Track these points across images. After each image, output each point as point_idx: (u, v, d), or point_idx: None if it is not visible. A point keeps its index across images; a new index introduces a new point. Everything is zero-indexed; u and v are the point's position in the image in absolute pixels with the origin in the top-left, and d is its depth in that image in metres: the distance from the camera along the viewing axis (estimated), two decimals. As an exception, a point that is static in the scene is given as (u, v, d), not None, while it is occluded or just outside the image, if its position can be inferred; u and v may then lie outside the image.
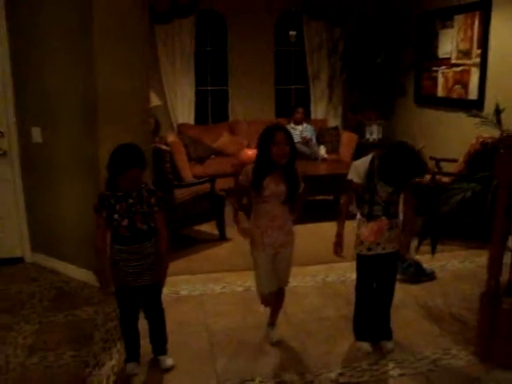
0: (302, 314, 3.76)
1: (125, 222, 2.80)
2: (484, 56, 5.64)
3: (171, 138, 6.23)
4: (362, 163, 3.07)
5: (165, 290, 3.09)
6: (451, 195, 3.59)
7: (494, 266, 3.08)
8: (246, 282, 4.18)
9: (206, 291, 4.16)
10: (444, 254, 4.70)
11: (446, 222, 3.60)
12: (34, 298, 4.01)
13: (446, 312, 3.77)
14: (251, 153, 6.10)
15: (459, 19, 6.09)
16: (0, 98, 4.40)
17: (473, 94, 5.90)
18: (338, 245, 3.21)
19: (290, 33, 7.60)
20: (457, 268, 4.59)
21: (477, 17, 5.76)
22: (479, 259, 4.60)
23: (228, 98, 8.02)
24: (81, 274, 4.32)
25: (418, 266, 4.29)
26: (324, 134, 7.48)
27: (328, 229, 5.57)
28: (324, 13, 7.73)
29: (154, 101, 6.33)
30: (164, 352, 3.11)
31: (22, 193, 4.60)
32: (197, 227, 5.45)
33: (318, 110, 8.21)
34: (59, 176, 4.27)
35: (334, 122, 8.15)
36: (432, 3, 6.63)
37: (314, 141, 7.15)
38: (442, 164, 5.94)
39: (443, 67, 6.48)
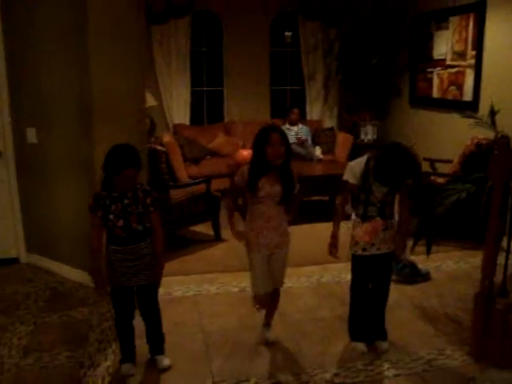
0: (297, 314, 3.76)
1: (120, 223, 2.80)
2: (479, 57, 5.65)
3: (166, 138, 6.22)
4: (358, 164, 3.08)
5: (159, 291, 3.09)
6: (446, 196, 3.60)
7: (489, 267, 3.10)
8: (241, 283, 4.18)
9: (201, 292, 4.16)
10: (439, 255, 4.72)
11: (440, 222, 3.61)
12: (29, 299, 4.00)
13: (440, 312, 3.78)
14: (246, 153, 6.10)
15: (454, 21, 6.10)
16: (-5, 98, 4.40)
17: (468, 96, 5.92)
18: (333, 245, 3.22)
19: (286, 33, 7.61)
20: (452, 268, 4.60)
21: (471, 18, 5.78)
22: (474, 260, 4.62)
23: (223, 98, 8.02)
24: (76, 274, 4.31)
25: (413, 266, 4.30)
26: (319, 135, 7.49)
27: (323, 229, 5.58)
28: (320, 13, 7.73)
29: (150, 101, 6.33)
30: (161, 352, 3.11)
31: (17, 193, 4.59)
32: (192, 228, 5.45)
33: (314, 111, 8.22)
34: (54, 176, 4.26)
35: (329, 122, 8.16)
36: (427, 5, 6.64)
37: (310, 141, 7.16)
38: (437, 165, 5.96)
39: (438, 68, 6.50)
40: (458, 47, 6.05)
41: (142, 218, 2.84)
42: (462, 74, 6.01)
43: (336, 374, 3.02)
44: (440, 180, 5.27)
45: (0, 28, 4.27)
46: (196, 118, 7.96)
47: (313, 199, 6.62)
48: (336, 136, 7.53)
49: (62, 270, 4.43)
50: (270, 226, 3.00)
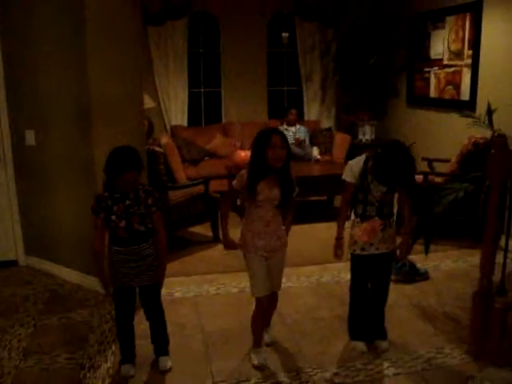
0: (296, 314, 3.77)
1: (122, 224, 2.81)
2: (475, 57, 5.67)
3: (164, 139, 6.22)
4: (356, 163, 3.08)
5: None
6: (444, 195, 3.61)
7: (487, 266, 3.11)
8: (240, 283, 4.19)
9: (201, 293, 4.16)
10: (437, 254, 4.74)
11: (438, 221, 3.62)
12: (28, 301, 4.01)
13: (439, 311, 3.79)
14: (244, 154, 6.11)
15: (450, 20, 6.12)
16: (-7, 101, 4.40)
17: (465, 95, 5.94)
18: (339, 247, 3.20)
19: (283, 34, 7.61)
20: (450, 267, 4.62)
21: (468, 18, 5.80)
22: (472, 258, 4.63)
23: (221, 99, 8.03)
24: (75, 276, 4.32)
25: (411, 265, 4.32)
26: (317, 136, 7.50)
27: (322, 229, 5.64)
28: (316, 14, 7.74)
29: (148, 103, 6.33)
30: (166, 353, 3.13)
31: (15, 196, 4.59)
32: (191, 229, 5.46)
33: (311, 112, 8.23)
34: (53, 179, 4.26)
35: (327, 123, 8.17)
36: (424, 5, 6.66)
37: (308, 142, 7.17)
38: (435, 164, 5.97)
39: (435, 68, 6.51)
40: (455, 47, 6.07)
41: (144, 219, 2.84)
42: (459, 73, 6.03)
43: (336, 374, 3.03)
44: (438, 179, 5.29)
45: (-3, 31, 4.28)
46: (194, 119, 7.96)
47: (311, 199, 6.63)
48: (334, 136, 7.54)
49: (61, 272, 4.43)
50: (268, 230, 2.96)
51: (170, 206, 4.83)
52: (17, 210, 4.62)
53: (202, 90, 8.03)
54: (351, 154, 6.57)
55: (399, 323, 3.58)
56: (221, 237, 5.14)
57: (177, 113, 7.64)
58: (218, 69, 7.90)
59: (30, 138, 4.31)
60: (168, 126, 7.63)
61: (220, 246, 5.10)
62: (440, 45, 6.36)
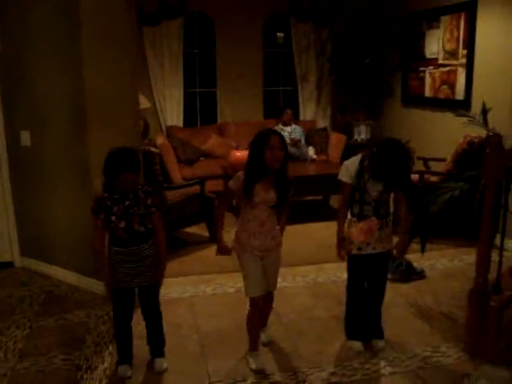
0: (293, 314, 3.78)
1: (122, 224, 2.81)
2: (470, 56, 5.69)
3: (160, 140, 6.21)
4: (352, 163, 3.08)
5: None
6: (439, 194, 3.62)
7: (482, 264, 3.12)
8: (236, 284, 4.19)
9: (198, 293, 4.16)
10: (433, 253, 4.75)
11: (434, 220, 3.63)
12: (24, 303, 4.00)
13: (435, 310, 3.80)
14: (240, 154, 6.11)
15: (445, 20, 6.14)
16: (-12, 102, 4.39)
17: (460, 94, 5.95)
18: (342, 248, 3.17)
19: (278, 34, 7.62)
20: (446, 266, 4.63)
21: (463, 17, 5.81)
22: (468, 257, 4.65)
23: (216, 100, 8.02)
24: (71, 277, 4.31)
25: (408, 264, 4.32)
26: (313, 135, 7.50)
27: (318, 229, 5.65)
28: (312, 14, 7.75)
29: (143, 103, 6.32)
30: (161, 354, 3.12)
31: (10, 197, 4.58)
32: (186, 229, 5.45)
33: (307, 111, 8.24)
34: (48, 179, 4.25)
35: (322, 123, 8.17)
36: (419, 4, 6.67)
37: (303, 142, 7.18)
38: (431, 163, 5.99)
39: (430, 67, 6.53)
40: (450, 46, 6.08)
41: (143, 219, 2.84)
42: (454, 72, 6.05)
43: (333, 373, 3.03)
44: (433, 178, 5.30)
45: (-8, 32, 4.27)
46: (189, 119, 7.95)
47: (307, 199, 6.63)
48: (329, 136, 7.54)
49: (58, 273, 4.42)
50: (263, 230, 2.95)
51: (169, 206, 4.82)
52: (12, 211, 4.61)
53: (198, 90, 8.03)
54: (347, 154, 6.57)
55: (396, 322, 3.58)
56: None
57: (172, 113, 7.64)
58: (213, 69, 7.90)
59: (26, 138, 4.30)
60: (163, 127, 7.62)
61: (216, 247, 5.12)
62: (435, 44, 6.37)
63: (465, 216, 4.47)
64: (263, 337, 3.33)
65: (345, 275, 3.34)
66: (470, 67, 5.71)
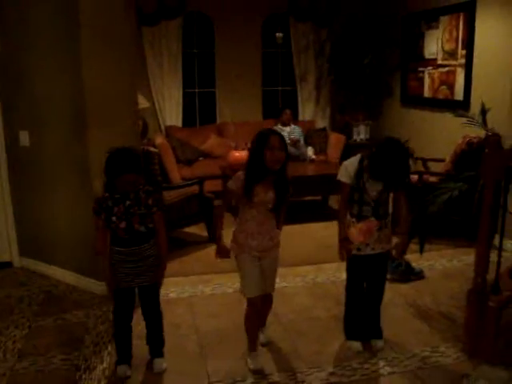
0: (292, 314, 3.78)
1: (122, 224, 2.81)
2: (469, 57, 5.69)
3: (159, 140, 6.22)
4: (351, 163, 3.08)
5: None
6: (438, 194, 3.62)
7: (481, 264, 3.12)
8: (235, 284, 4.17)
9: (196, 293, 4.16)
10: (432, 253, 4.75)
11: (433, 221, 3.63)
12: (23, 303, 3.99)
13: (434, 310, 3.80)
14: (239, 154, 6.11)
15: (444, 20, 6.14)
16: (-13, 102, 4.38)
17: (459, 95, 5.96)
18: (344, 247, 3.14)
19: (277, 34, 7.62)
20: (445, 267, 4.63)
21: (461, 18, 5.82)
22: (467, 257, 4.65)
23: (215, 100, 8.03)
24: (70, 277, 4.31)
25: (407, 265, 4.33)
26: (312, 135, 7.50)
27: (317, 229, 5.65)
28: (311, 14, 7.76)
29: (142, 103, 6.32)
30: (160, 354, 3.12)
31: (9, 197, 4.57)
32: (186, 229, 5.45)
33: (306, 112, 8.24)
34: (47, 180, 4.25)
35: (321, 123, 8.18)
36: (418, 4, 6.68)
37: (302, 142, 7.18)
38: (430, 164, 5.99)
39: (429, 68, 6.53)
40: (449, 46, 6.09)
41: (144, 219, 2.84)
42: (453, 73, 6.05)
43: (332, 373, 3.04)
44: (432, 179, 5.30)
45: (-9, 31, 4.27)
46: (188, 119, 7.95)
47: (306, 199, 6.63)
48: (328, 136, 7.54)
49: (56, 273, 4.42)
50: (260, 230, 2.94)
51: (168, 206, 4.82)
52: (11, 211, 4.61)
53: (197, 90, 8.03)
54: (346, 154, 6.58)
55: (395, 322, 3.59)
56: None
57: (171, 113, 7.64)
58: (212, 69, 7.90)
59: (25, 138, 4.30)
60: (162, 127, 7.62)
61: (215, 246, 5.10)
62: (434, 44, 6.38)
63: (464, 216, 4.48)
64: (262, 337, 3.32)
65: (344, 275, 3.34)
66: (469, 67, 5.72)
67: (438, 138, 6.33)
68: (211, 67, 7.90)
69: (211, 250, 5.02)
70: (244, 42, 7.76)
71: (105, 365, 3.13)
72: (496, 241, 3.34)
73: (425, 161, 5.99)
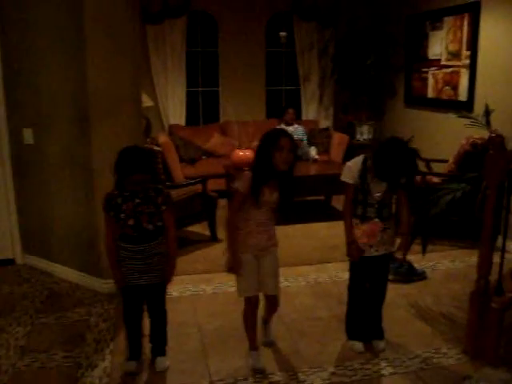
0: (294, 313, 3.78)
1: (131, 222, 2.81)
2: (473, 57, 5.68)
3: (162, 138, 6.21)
4: (355, 163, 3.07)
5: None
6: (441, 195, 3.62)
7: (484, 266, 3.11)
8: (238, 283, 4.19)
9: (198, 292, 4.17)
10: (435, 254, 4.75)
11: (436, 222, 3.63)
12: (26, 300, 4.00)
13: (436, 311, 3.80)
14: (242, 153, 6.12)
15: (449, 21, 6.13)
16: (-9, 99, 4.39)
17: (462, 95, 5.95)
18: (354, 250, 3.10)
19: (281, 34, 7.62)
20: (447, 268, 4.63)
21: (466, 18, 5.81)
22: (469, 259, 4.65)
23: (219, 98, 8.03)
24: (73, 275, 4.32)
25: (409, 266, 4.32)
26: (315, 135, 7.50)
27: (319, 229, 5.65)
28: (315, 14, 7.76)
29: (146, 101, 6.33)
30: (163, 353, 3.12)
31: (13, 194, 4.58)
32: (188, 228, 5.45)
33: (309, 111, 8.24)
34: (51, 177, 4.25)
35: (324, 123, 8.18)
36: (422, 5, 6.67)
37: (305, 142, 7.17)
38: (433, 165, 5.98)
39: (433, 68, 6.52)
40: (453, 47, 6.08)
41: (152, 218, 2.85)
42: (457, 73, 6.04)
43: (333, 373, 3.04)
44: (435, 180, 5.29)
45: (-4, 29, 4.28)
46: (192, 118, 7.96)
47: (309, 199, 6.63)
48: (331, 136, 7.54)
49: (59, 270, 4.43)
50: (260, 230, 2.93)
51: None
52: (14, 209, 4.62)
53: (200, 89, 8.03)
54: (349, 154, 6.58)
55: (396, 323, 3.58)
56: (218, 236, 5.24)
57: (175, 112, 7.64)
58: (216, 68, 7.91)
59: (29, 136, 4.30)
60: (166, 125, 7.63)
61: (217, 245, 5.14)
62: (438, 45, 6.37)
63: (466, 217, 4.47)
64: (265, 337, 3.32)
65: (346, 275, 3.34)
66: (473, 68, 5.71)
67: (441, 138, 6.32)
68: (215, 66, 7.90)
69: (214, 248, 5.08)
70: (248, 41, 7.77)
71: (106, 363, 3.13)
72: (499, 242, 3.34)
73: (428, 161, 5.98)
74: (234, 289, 4.13)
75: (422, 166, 5.94)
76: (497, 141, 3.05)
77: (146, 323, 3.11)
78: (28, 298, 4.04)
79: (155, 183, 2.96)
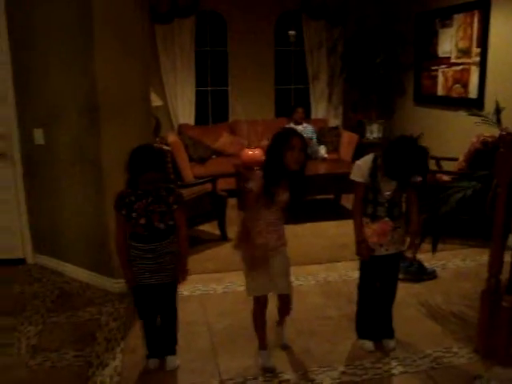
0: (304, 313, 3.77)
1: (142, 221, 2.82)
2: (483, 55, 5.65)
3: (172, 138, 6.24)
4: (365, 162, 3.06)
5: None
6: (452, 194, 3.60)
7: (495, 265, 3.09)
8: (247, 282, 4.19)
9: (208, 291, 4.17)
10: (446, 253, 4.72)
11: (446, 220, 3.61)
12: (37, 299, 4.03)
13: (447, 310, 3.78)
14: (252, 153, 6.12)
15: (459, 18, 6.10)
16: (1, 101, 4.42)
17: (473, 93, 5.92)
18: (365, 249, 3.08)
19: (290, 33, 7.62)
20: (458, 266, 4.60)
21: (476, 16, 5.78)
22: (480, 257, 4.62)
23: (228, 98, 8.03)
24: (83, 274, 4.34)
25: (419, 264, 4.30)
26: (324, 134, 7.49)
27: (329, 228, 5.64)
28: (323, 12, 7.74)
29: (155, 101, 6.35)
30: (173, 352, 3.13)
31: (23, 194, 4.61)
32: (198, 227, 5.46)
33: (319, 110, 8.23)
34: (61, 177, 4.28)
35: (334, 121, 8.16)
36: (432, 2, 6.64)
37: (315, 141, 7.16)
38: (443, 163, 5.95)
39: (443, 66, 6.49)
40: (463, 45, 6.05)
41: (164, 217, 2.85)
42: (467, 71, 6.01)
43: (343, 372, 3.03)
44: (446, 178, 5.27)
45: (6, 30, 4.30)
46: (201, 117, 7.97)
47: (318, 198, 6.62)
48: (341, 135, 7.53)
49: (70, 270, 4.45)
50: (269, 230, 2.91)
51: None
52: (25, 209, 4.65)
53: (209, 88, 8.04)
54: (359, 153, 6.56)
55: (407, 322, 3.57)
56: (228, 235, 5.24)
57: (184, 111, 7.66)
58: (225, 67, 7.91)
59: (39, 136, 4.33)
60: (175, 125, 7.65)
61: (227, 245, 5.14)
62: (448, 43, 6.34)
63: (477, 216, 4.45)
64: (281, 340, 3.28)
65: (355, 274, 3.33)
66: (483, 66, 5.68)
67: (451, 136, 6.29)
68: (224, 65, 7.91)
69: (223, 247, 5.08)
70: (257, 40, 7.77)
71: (117, 362, 3.14)
72: (510, 241, 3.31)
73: (438, 160, 5.95)
74: (243, 288, 4.15)
75: (432, 165, 5.92)
76: (507, 139, 3.03)
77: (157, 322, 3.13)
78: (39, 297, 4.07)
79: (166, 182, 2.97)
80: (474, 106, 5.53)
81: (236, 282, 4.26)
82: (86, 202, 4.13)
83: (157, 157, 2.80)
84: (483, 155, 4.91)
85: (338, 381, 2.95)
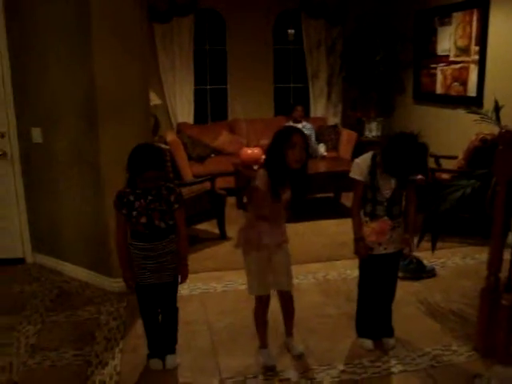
0: (303, 311, 3.76)
1: (143, 219, 2.82)
2: (482, 53, 5.65)
3: (170, 136, 6.24)
4: (364, 160, 3.05)
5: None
6: (451, 192, 3.60)
7: (494, 263, 3.09)
8: (247, 281, 4.19)
9: (209, 290, 4.17)
10: (445, 251, 4.72)
11: (446, 218, 3.60)
12: (36, 298, 4.03)
13: (446, 308, 3.78)
14: (251, 151, 6.12)
15: (458, 16, 6.10)
16: (0, 99, 4.40)
17: (472, 91, 5.92)
18: (362, 247, 3.08)
19: (289, 31, 7.61)
20: (458, 265, 4.60)
21: (475, 14, 5.77)
22: (480, 256, 4.61)
23: (227, 96, 8.03)
24: (82, 273, 4.33)
25: (418, 262, 4.30)
26: (323, 132, 7.49)
27: (328, 226, 5.64)
28: (323, 11, 7.74)
29: (154, 100, 6.34)
30: (173, 351, 3.12)
31: (22, 193, 4.60)
32: (197, 226, 5.46)
33: (318, 108, 8.22)
34: (60, 176, 4.27)
35: (333, 119, 8.16)
36: (431, 0, 6.64)
37: (314, 139, 7.15)
38: (442, 161, 5.95)
39: (442, 64, 6.49)
40: (462, 43, 6.04)
41: (164, 216, 2.85)
42: (466, 69, 6.01)
43: (343, 371, 3.03)
44: (445, 176, 5.27)
45: (4, 28, 4.29)
46: (200, 116, 7.96)
47: (318, 196, 6.62)
48: (340, 133, 7.53)
49: (69, 269, 4.45)
50: (273, 227, 2.91)
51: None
52: (24, 208, 4.64)
53: (208, 87, 8.03)
54: (358, 151, 6.56)
55: (406, 320, 3.57)
56: (227, 234, 5.24)
57: (183, 110, 7.65)
58: (224, 66, 7.91)
59: (37, 135, 4.32)
60: (174, 124, 7.64)
61: (227, 243, 5.14)
62: (447, 41, 6.34)
63: (476, 214, 4.45)
64: (293, 349, 3.20)
65: (355, 272, 3.33)
66: (482, 64, 5.68)
67: (450, 134, 6.29)
68: (223, 64, 7.90)
69: (223, 246, 5.08)
70: (256, 39, 7.76)
71: (116, 361, 3.14)
72: (509, 239, 3.31)
73: (437, 158, 5.95)
74: (244, 286, 4.14)
75: (431, 162, 5.92)
76: (507, 137, 3.02)
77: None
78: (38, 296, 4.07)
79: (166, 181, 2.96)
80: (473, 103, 5.53)
81: (236, 281, 4.26)
82: (84, 201, 4.12)
83: (157, 155, 2.79)
84: (482, 153, 4.90)
85: (337, 379, 2.95)
